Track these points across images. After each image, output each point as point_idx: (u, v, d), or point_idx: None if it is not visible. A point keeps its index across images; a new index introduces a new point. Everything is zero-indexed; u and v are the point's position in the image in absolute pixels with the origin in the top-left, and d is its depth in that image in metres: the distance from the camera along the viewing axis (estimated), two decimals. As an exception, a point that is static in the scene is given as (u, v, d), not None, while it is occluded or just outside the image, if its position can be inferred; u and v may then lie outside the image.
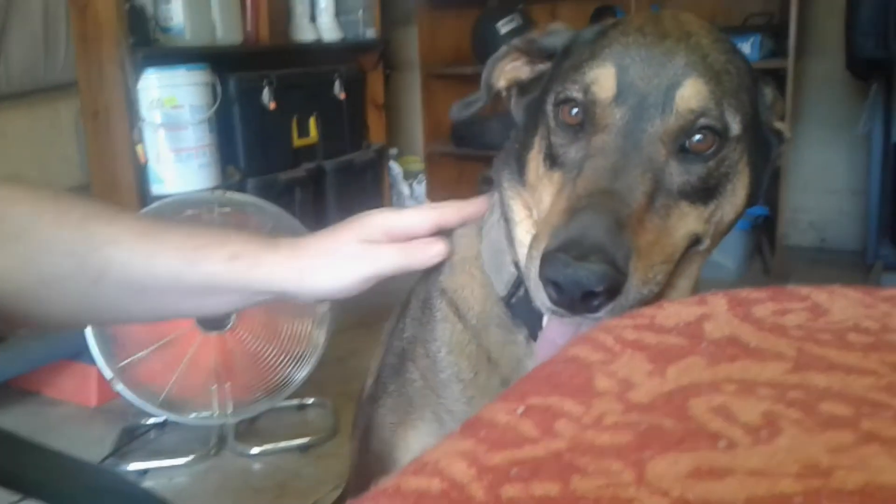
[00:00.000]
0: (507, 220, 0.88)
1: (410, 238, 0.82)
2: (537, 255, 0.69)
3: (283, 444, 2.20)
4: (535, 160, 0.82)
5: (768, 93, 0.84)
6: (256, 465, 2.17)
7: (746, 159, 0.79)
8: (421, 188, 4.47)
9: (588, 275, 0.64)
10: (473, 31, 4.02)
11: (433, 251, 0.79)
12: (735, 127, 0.76)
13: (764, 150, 0.84)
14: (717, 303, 0.49)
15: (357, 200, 3.97)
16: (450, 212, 0.83)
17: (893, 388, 0.36)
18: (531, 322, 0.85)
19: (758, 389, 0.38)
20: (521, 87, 0.90)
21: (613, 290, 0.65)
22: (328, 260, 0.75)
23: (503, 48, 0.90)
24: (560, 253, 0.65)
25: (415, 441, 0.94)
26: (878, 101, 3.25)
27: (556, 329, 0.77)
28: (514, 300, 0.87)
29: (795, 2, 3.09)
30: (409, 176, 4.55)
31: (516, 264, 0.86)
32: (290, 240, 0.77)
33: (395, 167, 4.44)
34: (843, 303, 0.48)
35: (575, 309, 0.67)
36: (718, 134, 0.75)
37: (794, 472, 0.30)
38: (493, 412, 0.37)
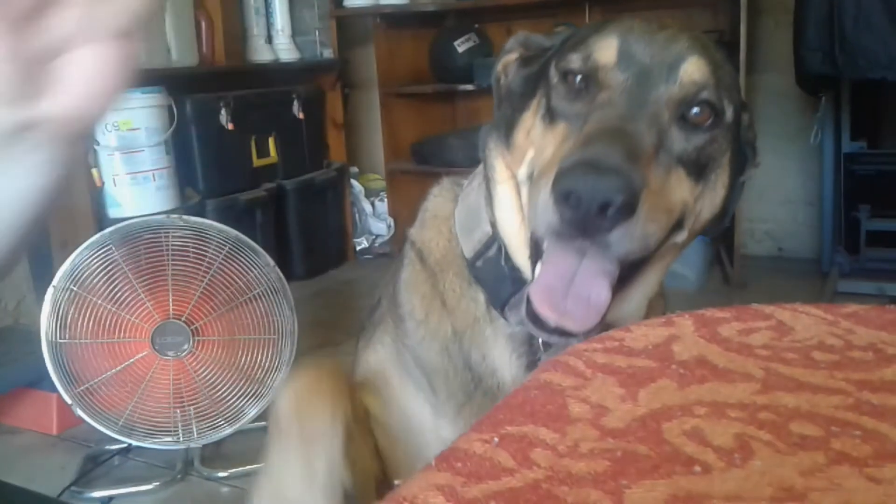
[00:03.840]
0: (487, 180, 0.92)
1: None
2: (546, 182, 0.69)
3: (251, 466, 2.15)
4: (531, 120, 0.85)
5: (746, 118, 0.89)
6: (224, 489, 2.13)
7: (730, 156, 0.84)
8: (383, 205, 4.46)
9: (608, 183, 0.65)
10: (431, 50, 4.04)
11: None
12: (729, 113, 0.81)
13: (741, 161, 0.89)
14: (684, 324, 0.50)
15: (319, 219, 3.95)
16: None
17: (860, 407, 0.37)
18: (493, 288, 0.89)
19: (728, 411, 0.38)
20: (524, 59, 0.93)
21: (629, 205, 0.66)
22: None
23: (509, 43, 0.95)
24: (579, 166, 0.66)
25: (373, 359, 1.02)
26: (828, 114, 3.33)
27: (554, 268, 0.76)
28: (479, 263, 0.91)
29: (744, 19, 3.16)
30: (370, 194, 4.54)
31: (492, 224, 0.90)
32: None
33: (357, 185, 4.42)
34: (806, 321, 0.49)
35: (587, 226, 0.67)
36: (715, 111, 0.80)
37: (768, 495, 0.31)
38: (468, 442, 0.37)
